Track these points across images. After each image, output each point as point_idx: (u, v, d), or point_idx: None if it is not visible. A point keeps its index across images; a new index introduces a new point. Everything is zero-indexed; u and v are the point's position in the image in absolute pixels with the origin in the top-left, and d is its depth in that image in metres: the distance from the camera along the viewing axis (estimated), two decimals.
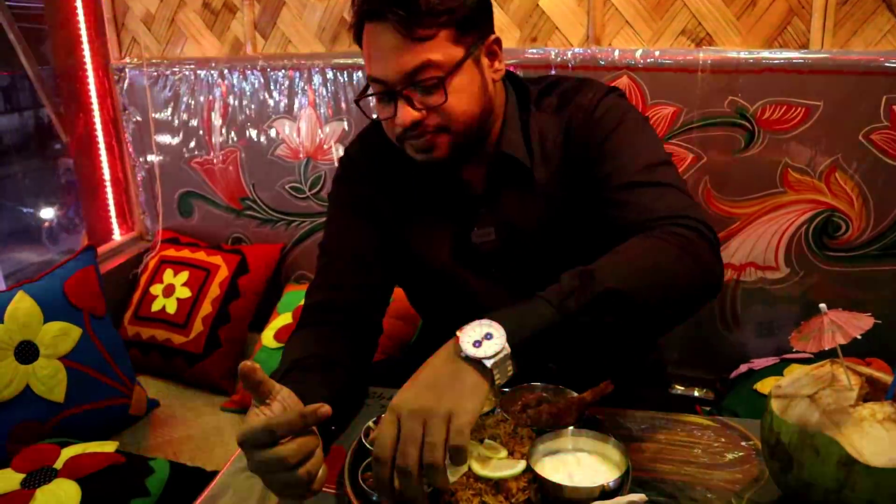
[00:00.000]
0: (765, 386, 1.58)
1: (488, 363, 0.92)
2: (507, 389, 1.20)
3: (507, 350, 0.93)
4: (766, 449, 0.96)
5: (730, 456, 1.11)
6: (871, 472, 0.84)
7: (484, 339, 0.93)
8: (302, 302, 2.22)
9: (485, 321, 0.95)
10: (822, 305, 0.90)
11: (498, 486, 0.99)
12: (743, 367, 1.79)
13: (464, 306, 1.33)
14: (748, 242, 1.86)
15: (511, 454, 1.05)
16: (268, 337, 2.13)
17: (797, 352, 1.78)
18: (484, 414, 1.14)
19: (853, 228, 1.74)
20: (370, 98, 1.23)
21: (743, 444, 1.14)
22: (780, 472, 0.94)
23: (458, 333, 0.94)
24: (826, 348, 0.87)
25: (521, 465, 1.00)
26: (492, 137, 1.26)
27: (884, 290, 1.77)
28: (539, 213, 1.27)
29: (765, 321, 1.89)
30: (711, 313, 1.95)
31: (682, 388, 2.00)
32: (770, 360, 1.75)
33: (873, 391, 0.94)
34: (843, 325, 0.87)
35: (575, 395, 1.17)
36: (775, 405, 0.95)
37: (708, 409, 1.71)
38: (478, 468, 1.00)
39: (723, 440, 1.15)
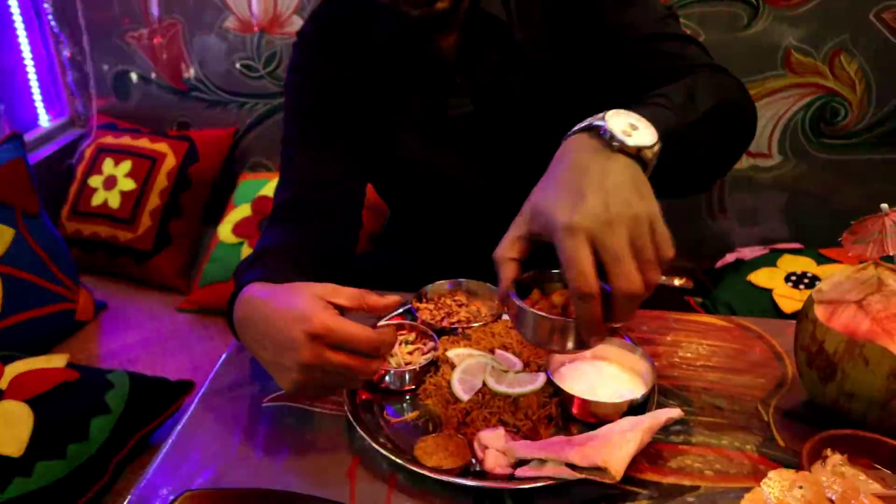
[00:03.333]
0: (759, 278, 1.54)
1: (650, 153, 0.75)
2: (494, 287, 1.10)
3: (659, 143, 0.76)
4: (804, 356, 0.90)
5: (750, 359, 1.06)
6: None
7: (631, 129, 0.75)
8: (260, 192, 2.09)
9: (614, 111, 0.76)
10: (884, 206, 0.82)
11: (516, 402, 0.91)
12: (730, 257, 1.75)
13: (439, 192, 1.23)
14: None
15: (526, 366, 0.96)
16: (225, 232, 1.97)
17: (785, 241, 1.75)
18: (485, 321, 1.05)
19: (852, 115, 1.67)
20: None
21: (761, 345, 1.09)
22: (818, 382, 0.88)
23: (594, 122, 0.76)
24: (892, 253, 0.79)
25: (540, 379, 0.92)
26: (464, 2, 1.12)
27: (875, 181, 1.72)
28: (521, 76, 1.15)
29: (750, 210, 1.84)
30: (696, 200, 1.89)
31: (663, 277, 1.95)
32: (759, 250, 1.70)
33: None
34: None
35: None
36: (819, 311, 0.87)
37: (700, 300, 1.67)
38: (493, 384, 0.92)
39: (741, 342, 1.09)
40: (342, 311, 0.84)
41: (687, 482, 0.84)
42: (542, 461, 0.81)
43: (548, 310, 0.77)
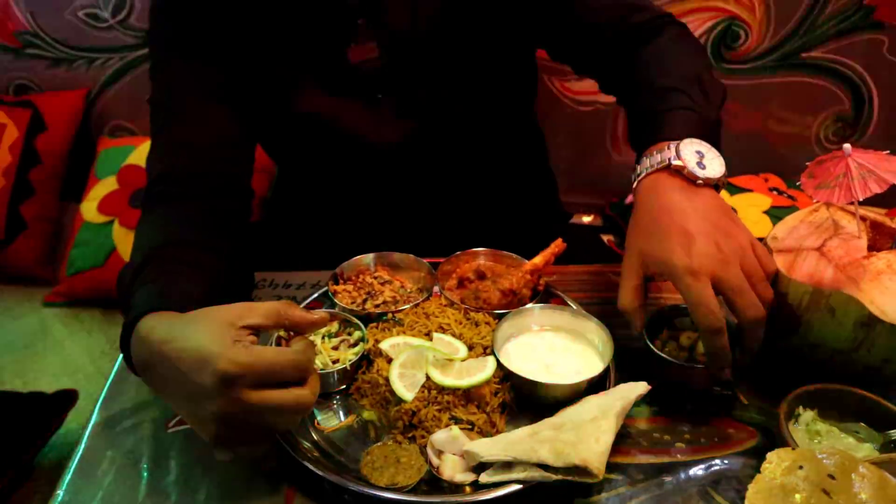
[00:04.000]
0: None
1: (723, 180, 0.84)
2: (428, 260, 1.00)
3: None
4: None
5: None
6: (895, 330, 0.75)
7: (700, 158, 0.82)
8: (127, 161, 1.84)
9: (679, 142, 0.83)
10: (847, 146, 0.76)
11: (467, 394, 0.81)
12: None
13: (345, 150, 1.09)
14: None
15: (470, 349, 0.86)
16: (90, 210, 1.72)
17: None
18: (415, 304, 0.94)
19: (752, 38, 1.64)
20: None
21: None
22: (779, 336, 0.83)
23: (670, 160, 0.82)
24: (861, 199, 0.74)
25: (490, 365, 0.82)
26: None
27: (773, 105, 1.72)
28: (430, 14, 1.02)
29: None
30: (600, 134, 1.83)
31: (585, 218, 1.91)
32: None
33: (877, 237, 0.83)
34: (875, 168, 0.73)
35: (522, 260, 0.99)
36: (779, 261, 0.82)
37: (615, 239, 1.62)
38: (438, 377, 0.81)
39: None
40: (258, 331, 0.70)
41: (661, 459, 0.78)
42: (509, 464, 0.72)
43: (676, 351, 0.84)
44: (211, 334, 0.65)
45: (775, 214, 1.43)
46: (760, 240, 0.83)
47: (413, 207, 1.16)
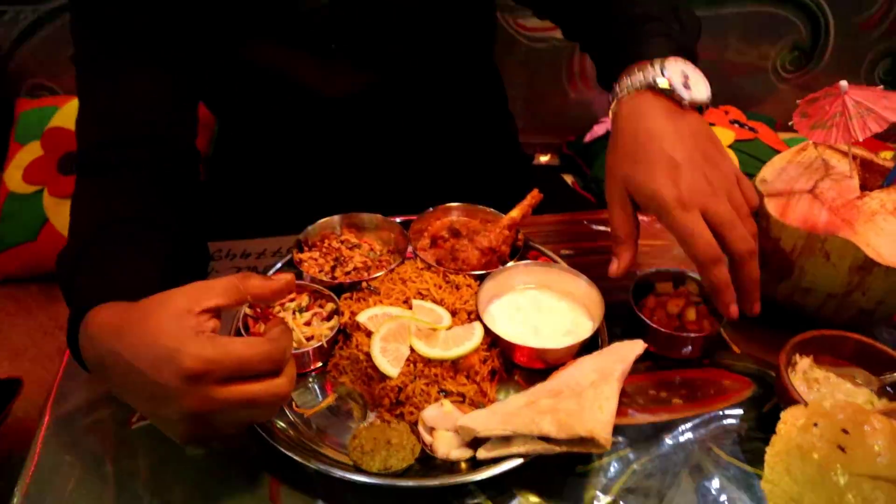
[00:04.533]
0: None
1: (707, 103, 0.79)
2: (398, 219, 0.94)
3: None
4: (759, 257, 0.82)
5: (680, 255, 0.97)
6: (890, 273, 0.73)
7: (686, 79, 0.77)
8: (51, 123, 1.69)
9: (664, 59, 0.77)
10: (843, 83, 0.72)
11: (455, 364, 0.76)
12: (598, 129, 1.66)
13: (294, 103, 1.02)
14: None
15: (454, 314, 0.81)
16: (14, 179, 1.58)
17: None
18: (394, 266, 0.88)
19: None
20: None
21: None
22: (770, 281, 0.81)
23: (655, 79, 0.76)
24: (861, 139, 0.70)
25: (477, 332, 0.78)
26: None
27: (731, 36, 1.68)
28: None
29: None
30: (556, 71, 1.77)
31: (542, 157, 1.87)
32: None
33: (867, 175, 0.81)
34: (873, 106, 0.70)
35: (497, 214, 0.94)
36: (771, 206, 0.79)
37: (574, 179, 1.58)
38: (423, 348, 0.76)
39: (669, 238, 1.01)
40: (220, 312, 0.63)
41: (659, 418, 0.75)
42: (507, 437, 0.68)
43: (666, 319, 0.81)
44: (168, 327, 0.58)
45: (740, 149, 1.41)
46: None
47: (373, 163, 1.09)
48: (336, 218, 0.94)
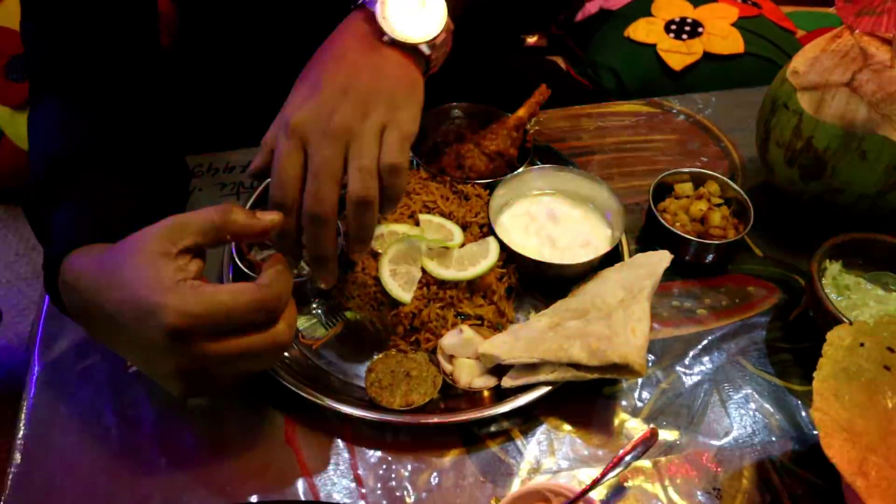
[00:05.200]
0: (637, 32, 1.36)
1: (426, 49, 0.64)
2: None
3: (450, 23, 0.65)
4: (781, 154, 0.77)
5: (690, 150, 0.92)
6: None
7: (416, 9, 0.63)
8: None
9: None
10: None
11: (471, 284, 0.71)
12: (591, 7, 1.54)
13: None
14: None
15: (465, 228, 0.75)
16: None
17: None
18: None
19: None
20: None
21: (694, 130, 0.95)
22: (798, 180, 0.76)
23: (371, 5, 0.63)
24: None
25: (493, 249, 0.73)
26: None
27: None
28: None
29: None
30: None
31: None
32: None
33: None
34: None
35: (501, 112, 0.86)
36: (804, 101, 0.73)
37: (576, 68, 1.48)
38: (437, 269, 0.71)
39: (671, 129, 0.95)
40: (202, 250, 0.56)
41: (686, 331, 0.73)
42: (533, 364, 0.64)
43: (689, 225, 0.77)
44: (146, 277, 0.52)
45: (744, 27, 1.32)
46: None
47: None
48: None
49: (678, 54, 1.29)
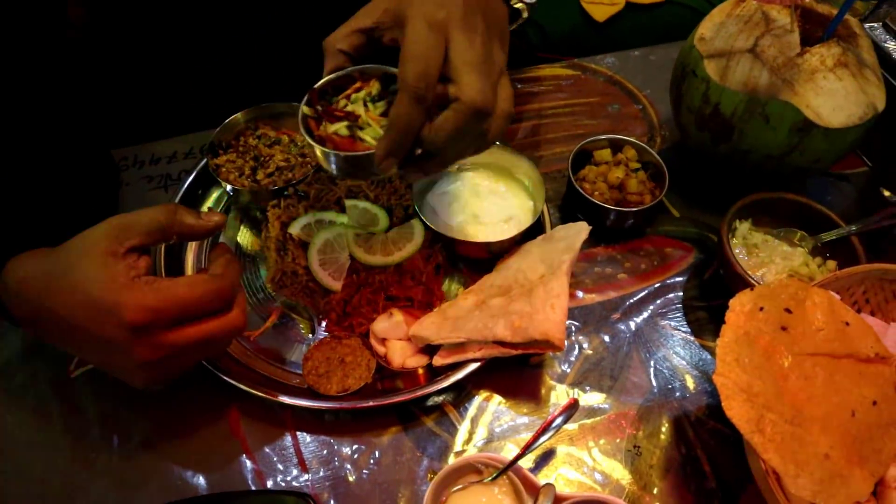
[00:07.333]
0: None
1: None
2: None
3: None
4: (692, 119, 0.79)
5: (610, 113, 0.95)
6: (829, 133, 0.72)
7: None
8: None
9: None
10: None
11: (399, 266, 0.73)
12: None
13: None
14: None
15: (389, 212, 0.77)
16: None
17: None
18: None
19: None
20: None
21: (619, 92, 0.97)
22: (709, 143, 0.79)
23: None
24: None
25: (418, 233, 0.75)
26: None
27: None
28: None
29: None
30: None
31: None
32: None
33: (808, 26, 0.77)
34: None
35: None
36: (710, 68, 0.75)
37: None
38: (365, 255, 0.73)
39: (600, 94, 0.97)
40: (148, 248, 0.58)
41: (607, 296, 0.76)
42: (461, 343, 0.67)
43: (608, 193, 0.77)
44: (98, 277, 0.53)
45: None
46: None
47: (278, 41, 0.97)
48: (249, 111, 0.85)
49: (601, 6, 1.30)
